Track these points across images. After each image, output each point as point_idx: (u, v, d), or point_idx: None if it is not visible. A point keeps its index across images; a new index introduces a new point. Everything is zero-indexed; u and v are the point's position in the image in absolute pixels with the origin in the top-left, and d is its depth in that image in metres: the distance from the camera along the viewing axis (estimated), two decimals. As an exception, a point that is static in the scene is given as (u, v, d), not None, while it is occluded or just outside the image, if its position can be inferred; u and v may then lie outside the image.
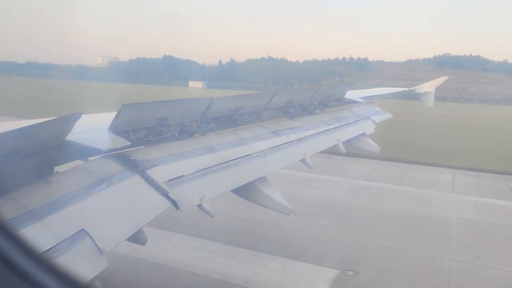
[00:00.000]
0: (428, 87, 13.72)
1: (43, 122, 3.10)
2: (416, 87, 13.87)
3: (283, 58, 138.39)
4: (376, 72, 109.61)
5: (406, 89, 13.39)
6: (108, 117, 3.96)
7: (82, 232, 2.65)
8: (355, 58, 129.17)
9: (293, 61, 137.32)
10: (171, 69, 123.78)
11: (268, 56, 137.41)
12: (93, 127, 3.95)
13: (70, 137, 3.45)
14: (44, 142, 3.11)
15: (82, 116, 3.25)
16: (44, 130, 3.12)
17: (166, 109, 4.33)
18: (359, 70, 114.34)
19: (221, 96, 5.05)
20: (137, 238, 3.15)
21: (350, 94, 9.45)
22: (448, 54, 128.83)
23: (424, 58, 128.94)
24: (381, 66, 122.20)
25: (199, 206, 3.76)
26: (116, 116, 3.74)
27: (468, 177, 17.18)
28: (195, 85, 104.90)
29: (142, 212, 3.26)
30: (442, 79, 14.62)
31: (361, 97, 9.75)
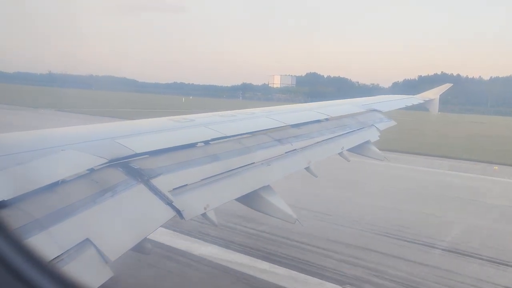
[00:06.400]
0: (432, 94, 13.69)
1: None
2: (419, 94, 13.84)
3: (459, 74, 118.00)
4: None
5: (409, 96, 13.34)
6: (113, 126, 3.98)
7: (87, 242, 2.66)
8: None
9: (475, 77, 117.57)
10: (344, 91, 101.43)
11: (442, 72, 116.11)
12: (99, 136, 3.99)
13: (74, 146, 3.48)
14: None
15: (87, 125, 3.28)
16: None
17: None
18: None
19: None
20: (141, 247, 3.15)
21: (354, 102, 9.43)
22: None
23: None
24: None
25: (203, 215, 3.76)
26: None
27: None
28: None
29: (147, 221, 3.25)
30: (446, 86, 14.59)
31: (363, 105, 9.73)
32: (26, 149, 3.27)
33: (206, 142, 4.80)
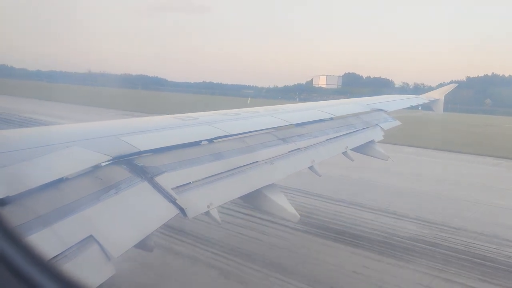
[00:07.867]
0: (437, 94, 13.63)
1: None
2: (424, 94, 13.79)
3: (511, 75, 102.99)
4: None
5: (414, 96, 13.29)
6: (117, 124, 3.99)
7: (90, 239, 2.66)
8: None
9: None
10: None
11: (493, 73, 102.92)
12: (103, 134, 4.00)
13: (79, 143, 3.49)
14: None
15: (92, 123, 3.28)
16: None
17: None
18: None
19: None
20: (144, 244, 3.15)
21: (359, 101, 9.40)
22: None
23: None
24: None
25: (207, 213, 3.76)
26: None
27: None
28: None
29: (150, 219, 3.26)
30: (451, 86, 14.53)
31: (368, 104, 9.70)
32: (30, 145, 3.29)
33: (210, 141, 4.80)
